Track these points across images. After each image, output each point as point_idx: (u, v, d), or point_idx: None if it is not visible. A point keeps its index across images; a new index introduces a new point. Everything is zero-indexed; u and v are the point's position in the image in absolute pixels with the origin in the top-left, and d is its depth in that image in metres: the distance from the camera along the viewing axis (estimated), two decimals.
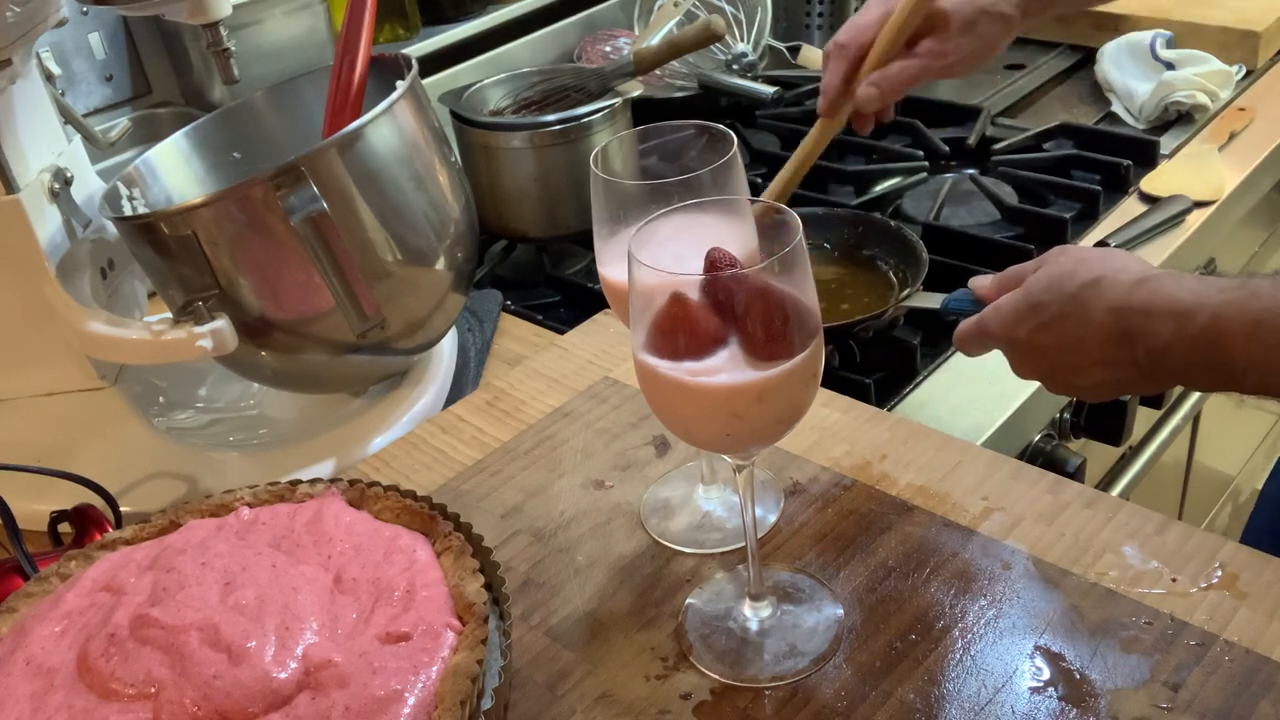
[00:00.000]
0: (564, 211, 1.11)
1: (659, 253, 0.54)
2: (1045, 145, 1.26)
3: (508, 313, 1.06)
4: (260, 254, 0.77)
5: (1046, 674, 0.60)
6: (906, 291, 0.92)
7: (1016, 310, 0.68)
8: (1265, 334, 0.59)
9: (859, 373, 0.90)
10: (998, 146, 1.24)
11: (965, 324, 0.73)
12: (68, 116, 0.89)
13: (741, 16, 1.43)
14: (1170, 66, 1.30)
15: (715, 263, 0.52)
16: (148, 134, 1.13)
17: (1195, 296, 0.62)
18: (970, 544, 0.68)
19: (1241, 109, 1.28)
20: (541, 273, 1.14)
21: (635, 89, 1.11)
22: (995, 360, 0.72)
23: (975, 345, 0.73)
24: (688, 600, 0.68)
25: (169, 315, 0.79)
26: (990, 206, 1.14)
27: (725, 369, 0.53)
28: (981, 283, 0.75)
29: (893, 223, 1.01)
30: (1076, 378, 0.68)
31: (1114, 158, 1.17)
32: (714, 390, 0.53)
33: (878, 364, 0.93)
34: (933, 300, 0.81)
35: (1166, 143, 1.22)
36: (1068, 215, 1.08)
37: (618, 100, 1.08)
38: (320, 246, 0.74)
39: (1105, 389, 0.68)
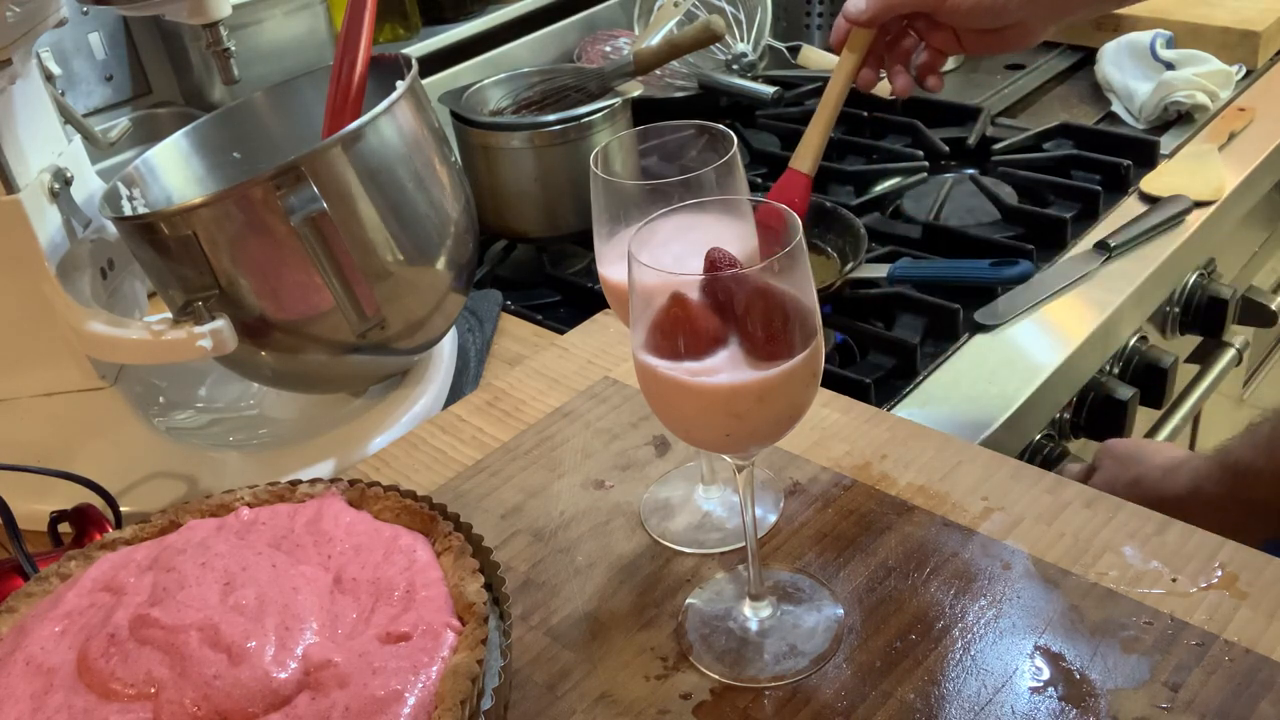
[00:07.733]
0: (564, 211, 1.11)
1: (659, 253, 0.54)
2: (1045, 145, 1.26)
3: (508, 313, 1.06)
4: (260, 254, 0.77)
5: (1046, 674, 0.60)
6: (850, 265, 0.98)
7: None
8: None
9: (859, 373, 0.90)
10: (998, 146, 1.24)
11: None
12: (68, 116, 0.89)
13: (741, 16, 1.43)
14: (1170, 66, 1.30)
15: (715, 263, 0.52)
16: (148, 134, 1.13)
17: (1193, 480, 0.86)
18: (970, 544, 0.68)
19: (1241, 109, 1.27)
20: (541, 273, 1.14)
21: (635, 89, 1.11)
22: (995, 360, 0.72)
23: None
24: (688, 600, 0.68)
25: (169, 315, 0.79)
26: (990, 206, 1.14)
27: (725, 369, 0.53)
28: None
29: (827, 201, 1.06)
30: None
31: (1114, 158, 1.17)
32: (714, 390, 0.53)
33: (878, 364, 0.93)
34: (879, 270, 0.92)
35: (1166, 143, 1.22)
36: (1068, 215, 1.08)
37: (618, 100, 1.08)
38: (320, 246, 0.74)
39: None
